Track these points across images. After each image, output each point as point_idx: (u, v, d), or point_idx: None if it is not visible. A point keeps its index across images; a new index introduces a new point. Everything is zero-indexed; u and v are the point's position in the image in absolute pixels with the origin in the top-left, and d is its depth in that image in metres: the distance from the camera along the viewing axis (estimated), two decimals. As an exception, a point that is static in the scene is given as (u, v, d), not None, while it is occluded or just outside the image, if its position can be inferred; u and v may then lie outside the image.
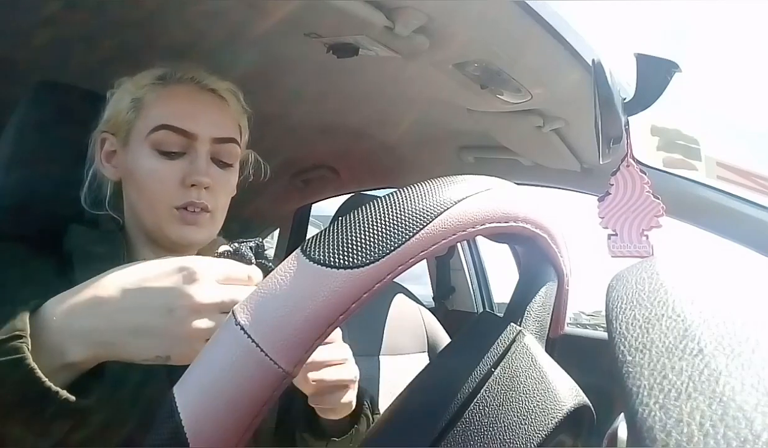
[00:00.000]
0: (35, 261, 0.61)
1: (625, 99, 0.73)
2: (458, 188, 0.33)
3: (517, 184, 0.40)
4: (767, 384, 0.19)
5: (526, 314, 0.38)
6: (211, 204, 0.67)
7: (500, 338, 0.35)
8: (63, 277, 0.60)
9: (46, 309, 0.43)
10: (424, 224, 0.30)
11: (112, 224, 0.70)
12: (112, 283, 0.43)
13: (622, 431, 0.35)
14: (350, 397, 0.58)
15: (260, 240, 0.49)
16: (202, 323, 0.41)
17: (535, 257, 0.41)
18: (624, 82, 0.74)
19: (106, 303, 0.42)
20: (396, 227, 0.30)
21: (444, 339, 1.64)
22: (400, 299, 1.59)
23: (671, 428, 0.18)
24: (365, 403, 0.67)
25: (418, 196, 0.32)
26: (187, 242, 0.67)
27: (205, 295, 0.42)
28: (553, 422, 0.33)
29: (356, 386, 0.59)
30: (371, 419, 0.67)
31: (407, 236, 0.30)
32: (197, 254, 0.71)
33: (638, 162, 0.72)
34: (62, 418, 0.41)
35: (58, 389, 0.39)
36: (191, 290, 0.42)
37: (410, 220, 0.30)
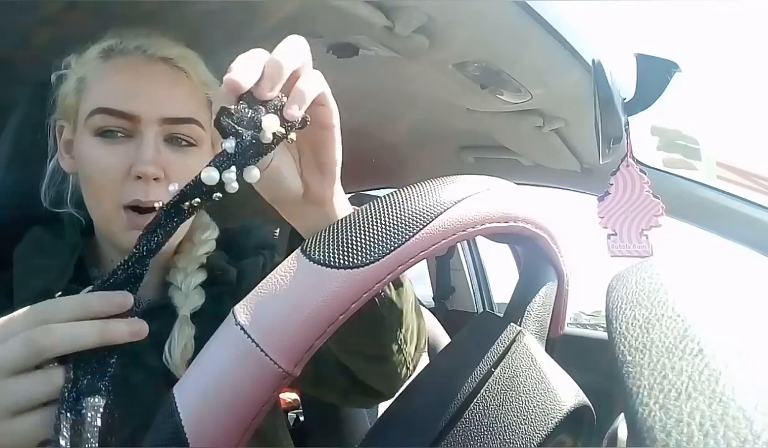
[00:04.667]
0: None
1: (625, 99, 0.73)
2: (458, 188, 0.33)
3: (517, 184, 0.40)
4: (767, 384, 0.19)
5: (526, 314, 0.38)
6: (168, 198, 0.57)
7: (500, 338, 0.35)
8: (12, 293, 0.54)
9: None
10: (424, 224, 0.30)
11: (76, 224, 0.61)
12: None
13: (622, 431, 0.35)
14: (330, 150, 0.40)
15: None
16: None
17: (535, 257, 0.41)
18: (624, 82, 0.74)
19: None
20: (396, 227, 0.30)
21: (444, 339, 1.63)
22: (400, 299, 1.59)
23: (671, 428, 0.18)
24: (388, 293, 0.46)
25: (418, 196, 0.32)
26: None
27: None
28: (553, 422, 0.33)
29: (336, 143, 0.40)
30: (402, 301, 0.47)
31: (407, 236, 0.30)
32: (175, 251, 0.61)
33: (638, 162, 0.72)
34: None
35: None
36: None
37: (410, 220, 0.30)
